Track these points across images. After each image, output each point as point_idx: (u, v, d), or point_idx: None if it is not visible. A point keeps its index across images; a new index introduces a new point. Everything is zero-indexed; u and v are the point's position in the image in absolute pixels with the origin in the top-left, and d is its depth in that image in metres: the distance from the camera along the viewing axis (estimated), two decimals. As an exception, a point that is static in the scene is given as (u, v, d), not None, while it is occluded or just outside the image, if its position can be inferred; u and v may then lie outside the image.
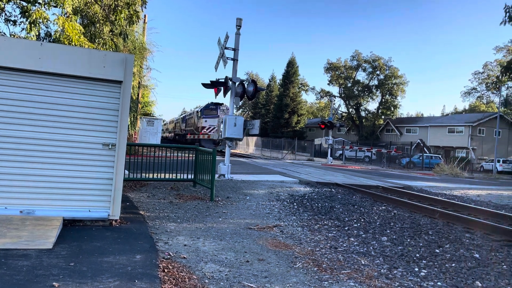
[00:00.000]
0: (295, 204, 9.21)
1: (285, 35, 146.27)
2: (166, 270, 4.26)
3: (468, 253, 5.68)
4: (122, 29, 14.72)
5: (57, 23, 11.28)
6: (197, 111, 37.71)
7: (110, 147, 6.01)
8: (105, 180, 6.00)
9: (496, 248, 5.95)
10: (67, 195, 5.86)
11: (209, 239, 5.84)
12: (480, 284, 4.51)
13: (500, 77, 31.54)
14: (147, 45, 21.40)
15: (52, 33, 12.77)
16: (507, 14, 26.04)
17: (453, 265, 5.17)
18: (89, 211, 5.94)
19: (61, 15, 11.71)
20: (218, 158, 10.78)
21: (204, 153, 9.73)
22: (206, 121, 34.23)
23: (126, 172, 9.53)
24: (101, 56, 6.02)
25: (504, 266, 5.11)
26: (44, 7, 11.42)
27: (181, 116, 51.26)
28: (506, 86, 48.04)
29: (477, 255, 5.56)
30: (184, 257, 4.88)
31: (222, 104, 34.57)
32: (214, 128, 33.63)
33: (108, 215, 5.94)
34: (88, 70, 5.87)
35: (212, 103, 35.01)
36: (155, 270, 4.24)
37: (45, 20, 11.26)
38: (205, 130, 33.96)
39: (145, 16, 21.75)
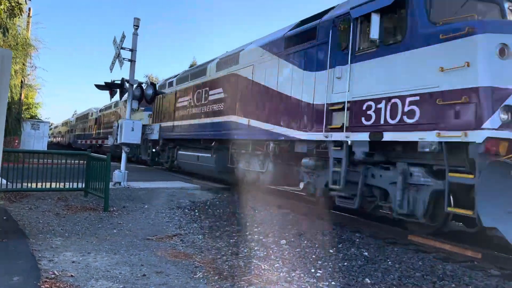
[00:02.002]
0: (196, 211, 9.03)
1: (187, 38, 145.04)
2: (49, 292, 3.80)
3: (358, 251, 6.06)
4: (2, 22, 13.16)
5: None
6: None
7: (-19, 154, 5.23)
8: (-26, 192, 5.20)
9: (382, 246, 6.45)
10: None
11: (102, 253, 5.38)
12: (369, 281, 4.82)
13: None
14: (32, 41, 19.44)
15: None
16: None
17: (345, 264, 5.47)
18: (-46, 229, 5.07)
19: None
20: (113, 164, 10.14)
21: (97, 160, 9.06)
22: None
23: (4, 181, 8.45)
24: (-29, 49, 5.22)
25: (389, 262, 5.55)
26: None
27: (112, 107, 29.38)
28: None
29: (366, 253, 5.96)
30: (72, 275, 4.41)
31: None
32: None
33: (-21, 232, 5.15)
34: (-48, 65, 5.05)
35: None
36: (35, 293, 3.76)
37: None
38: None
39: (29, 9, 19.74)
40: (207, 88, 13.47)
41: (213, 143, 12.92)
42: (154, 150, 18.81)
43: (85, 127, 39.39)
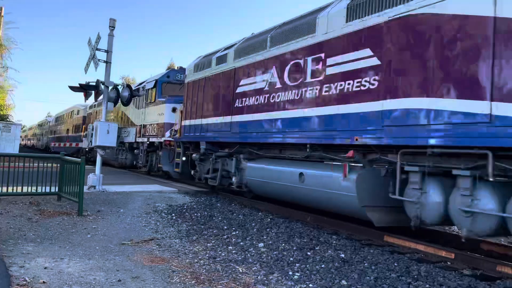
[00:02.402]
0: (173, 215, 8.93)
1: (165, 40, 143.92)
2: (19, 300, 3.68)
3: (335, 253, 6.11)
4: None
5: None
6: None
7: None
8: None
9: (358, 247, 6.52)
10: None
11: (75, 258, 5.26)
12: (346, 283, 4.86)
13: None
14: (4, 41, 18.91)
15: None
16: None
17: (323, 266, 5.50)
18: None
19: None
20: (88, 167, 9.93)
21: (71, 163, 8.86)
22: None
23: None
24: None
25: (366, 264, 5.61)
26: None
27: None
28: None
29: (342, 255, 6.01)
30: (44, 282, 4.29)
31: None
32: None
33: None
34: None
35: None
36: (5, 301, 3.63)
37: None
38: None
39: (0, 8, 19.20)
40: (321, 55, 7.85)
41: (348, 153, 7.30)
42: (184, 158, 13.19)
43: (68, 128, 32.70)
